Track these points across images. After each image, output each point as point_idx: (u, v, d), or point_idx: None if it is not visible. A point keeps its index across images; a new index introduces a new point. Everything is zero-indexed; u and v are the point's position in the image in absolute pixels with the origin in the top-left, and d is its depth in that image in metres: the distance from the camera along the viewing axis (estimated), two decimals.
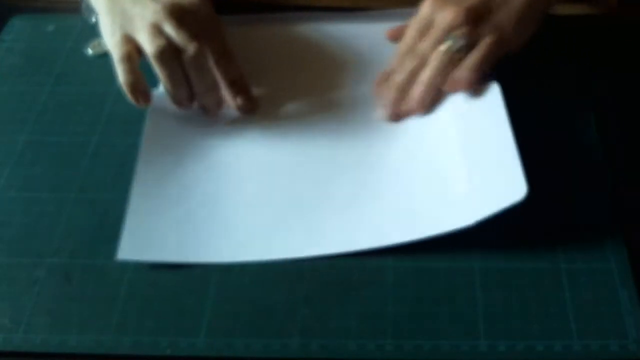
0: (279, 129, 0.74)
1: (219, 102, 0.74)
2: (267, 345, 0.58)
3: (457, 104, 0.72)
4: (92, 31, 0.84)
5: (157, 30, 0.69)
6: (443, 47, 0.71)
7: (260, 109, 0.75)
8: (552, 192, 0.67)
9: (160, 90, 0.73)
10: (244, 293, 0.62)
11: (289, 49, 0.83)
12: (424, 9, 0.74)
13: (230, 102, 0.74)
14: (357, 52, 0.82)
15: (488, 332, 0.58)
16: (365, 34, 0.83)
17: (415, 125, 0.72)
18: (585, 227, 0.65)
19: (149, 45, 0.69)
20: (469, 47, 0.71)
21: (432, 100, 0.73)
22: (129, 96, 0.70)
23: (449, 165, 0.68)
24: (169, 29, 0.69)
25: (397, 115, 0.74)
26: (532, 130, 0.72)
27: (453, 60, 0.71)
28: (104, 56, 0.79)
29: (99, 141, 0.73)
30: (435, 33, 0.72)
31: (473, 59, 0.71)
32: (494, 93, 0.71)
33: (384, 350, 0.58)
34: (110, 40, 0.72)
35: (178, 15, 0.70)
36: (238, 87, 0.74)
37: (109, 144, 0.73)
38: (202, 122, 0.74)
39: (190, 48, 0.69)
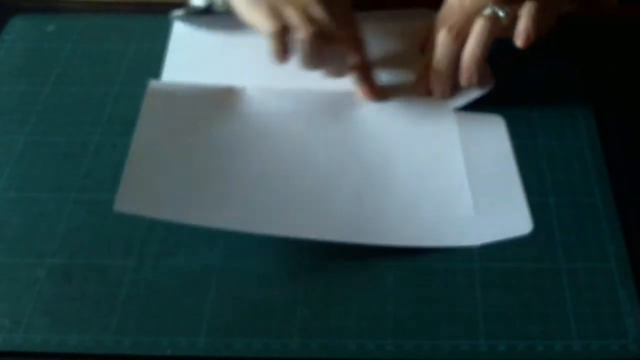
0: (284, 132, 0.73)
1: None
2: (267, 345, 0.58)
3: (465, 131, 0.73)
4: (93, 32, 0.84)
5: (308, 13, 0.70)
6: (487, 12, 0.71)
7: (274, 99, 0.76)
8: (552, 192, 0.68)
9: (162, 80, 0.75)
10: (243, 293, 0.62)
11: None
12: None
13: (357, 88, 0.76)
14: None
15: (488, 332, 0.59)
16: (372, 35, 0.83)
17: (426, 146, 0.72)
18: (585, 227, 0.65)
19: (301, 28, 0.69)
20: (509, 16, 0.71)
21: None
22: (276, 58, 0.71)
23: (455, 188, 0.68)
24: (317, 12, 0.70)
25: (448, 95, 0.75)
26: (531, 130, 0.72)
27: (496, 27, 0.71)
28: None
29: (99, 141, 0.73)
30: (469, 8, 0.72)
31: (528, 11, 0.70)
32: (500, 126, 0.73)
33: (384, 350, 0.58)
34: (254, 11, 0.72)
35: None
36: (364, 74, 0.75)
37: (109, 144, 0.73)
38: (207, 102, 0.74)
39: (337, 43, 0.71)
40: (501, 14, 0.71)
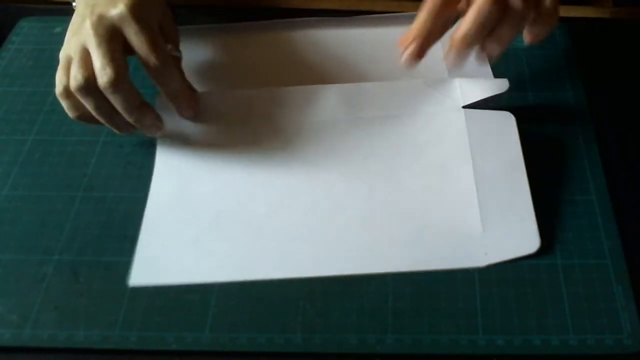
0: (289, 148, 0.72)
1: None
2: (270, 339, 0.59)
3: (474, 135, 0.71)
4: None
5: (84, 60, 0.66)
6: None
7: (267, 125, 0.74)
8: (549, 190, 0.68)
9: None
10: (247, 289, 0.62)
11: (296, 58, 0.82)
12: None
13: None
14: (365, 60, 0.80)
15: (486, 326, 0.59)
16: (369, 39, 0.83)
17: (433, 154, 0.71)
18: (581, 224, 0.66)
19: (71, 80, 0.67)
20: None
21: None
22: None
23: (463, 203, 0.67)
24: (95, 57, 0.66)
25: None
26: (530, 131, 0.72)
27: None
28: None
29: (105, 141, 0.73)
30: None
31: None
32: (511, 128, 0.72)
33: (385, 345, 0.59)
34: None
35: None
36: (186, 96, 0.72)
37: (115, 144, 0.73)
38: (211, 144, 0.73)
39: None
40: None
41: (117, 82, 0.64)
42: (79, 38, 0.66)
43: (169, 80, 0.69)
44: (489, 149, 0.70)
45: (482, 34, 0.65)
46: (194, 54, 0.81)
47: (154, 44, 0.66)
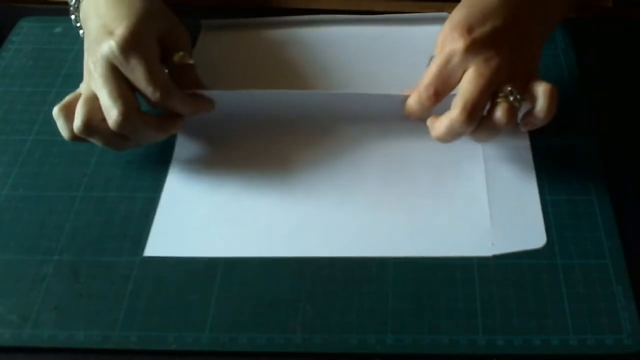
0: (306, 142, 0.73)
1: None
2: (270, 339, 0.59)
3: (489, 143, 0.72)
4: None
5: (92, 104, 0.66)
6: (503, 105, 0.62)
7: (285, 121, 0.74)
8: (548, 190, 0.68)
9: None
10: (247, 289, 0.62)
11: (302, 55, 0.81)
12: (453, 58, 0.63)
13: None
14: (373, 58, 0.81)
15: (486, 327, 0.60)
16: (376, 38, 0.83)
17: (445, 149, 0.70)
18: (582, 224, 0.66)
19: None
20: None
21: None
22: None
23: (473, 199, 0.68)
24: (102, 98, 0.65)
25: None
26: (531, 132, 0.72)
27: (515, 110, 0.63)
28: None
29: None
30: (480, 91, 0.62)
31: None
32: (523, 135, 0.73)
33: (385, 345, 0.59)
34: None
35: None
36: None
37: None
38: (231, 126, 0.74)
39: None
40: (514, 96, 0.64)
41: (124, 122, 0.63)
42: (87, 77, 0.67)
43: (173, 108, 0.67)
44: (501, 152, 0.72)
45: (456, 139, 0.64)
46: (206, 48, 0.82)
47: (150, 78, 0.64)
